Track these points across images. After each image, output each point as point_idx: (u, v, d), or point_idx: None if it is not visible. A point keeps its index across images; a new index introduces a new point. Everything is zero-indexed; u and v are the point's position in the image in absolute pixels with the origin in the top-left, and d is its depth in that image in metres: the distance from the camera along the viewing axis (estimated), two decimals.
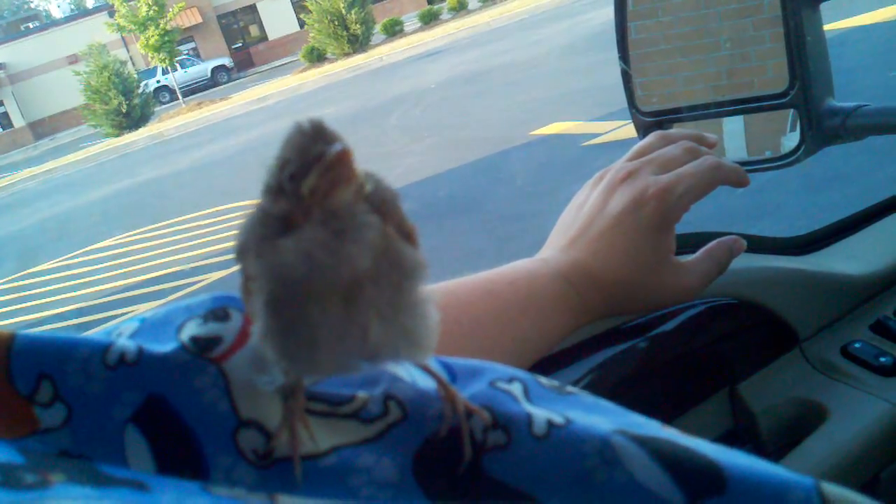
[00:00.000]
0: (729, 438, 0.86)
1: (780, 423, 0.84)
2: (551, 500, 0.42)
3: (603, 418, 0.46)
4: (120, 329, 0.48)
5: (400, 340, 0.42)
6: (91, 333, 0.47)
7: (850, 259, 0.96)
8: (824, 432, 0.81)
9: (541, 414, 0.45)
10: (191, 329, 0.46)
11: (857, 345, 0.88)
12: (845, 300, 0.93)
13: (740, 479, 0.42)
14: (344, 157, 0.38)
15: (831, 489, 0.42)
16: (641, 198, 0.77)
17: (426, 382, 0.48)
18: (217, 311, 0.47)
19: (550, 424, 0.44)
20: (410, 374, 0.48)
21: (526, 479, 0.43)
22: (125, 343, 0.44)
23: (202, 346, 0.45)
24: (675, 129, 0.91)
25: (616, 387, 0.79)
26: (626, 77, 1.10)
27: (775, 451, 0.83)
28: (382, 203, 0.41)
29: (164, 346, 0.45)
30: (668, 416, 0.82)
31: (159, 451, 0.42)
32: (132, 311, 6.34)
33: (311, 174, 0.38)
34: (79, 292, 7.52)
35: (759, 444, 0.84)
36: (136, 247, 8.58)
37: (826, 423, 0.81)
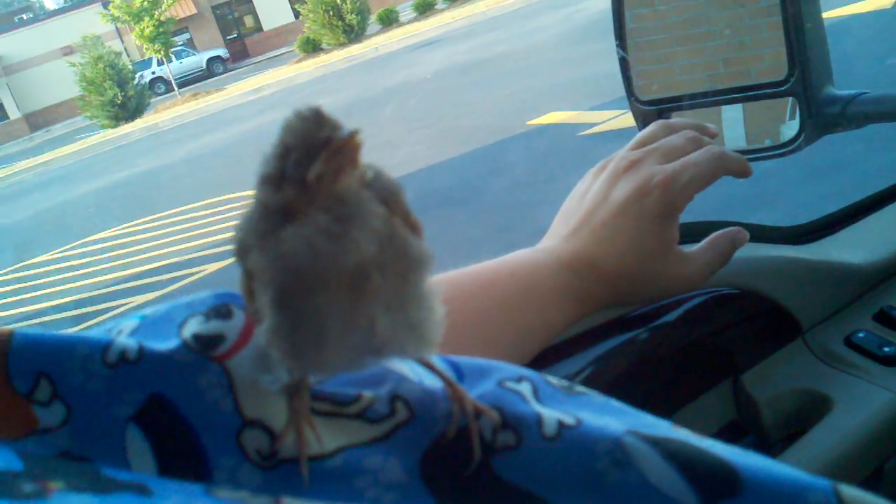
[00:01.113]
0: (732, 429, 0.86)
1: (783, 414, 0.84)
2: (562, 502, 0.41)
3: (614, 419, 0.45)
4: (120, 327, 0.47)
5: (406, 334, 0.41)
6: (90, 331, 0.46)
7: (853, 248, 0.95)
8: (828, 423, 0.80)
9: (551, 415, 0.44)
10: (193, 326, 0.45)
11: (860, 334, 0.87)
12: (848, 289, 0.92)
13: (755, 481, 0.41)
14: (353, 141, 0.37)
15: (849, 492, 0.41)
16: (645, 187, 0.77)
17: (433, 382, 0.47)
18: (220, 309, 0.46)
19: (561, 425, 0.44)
20: (417, 374, 0.47)
21: (536, 481, 0.42)
22: (126, 341, 0.43)
23: (205, 345, 0.44)
24: (677, 119, 0.90)
25: (618, 378, 0.78)
26: (624, 65, 1.09)
27: (779, 442, 0.83)
28: (388, 195, 0.40)
29: (166, 344, 0.44)
30: (670, 408, 0.82)
31: (161, 451, 0.41)
32: (130, 303, 6.34)
33: (318, 159, 0.37)
34: (76, 284, 7.51)
35: (763, 435, 0.83)
36: (132, 238, 8.56)
37: (830, 413, 0.81)
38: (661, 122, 0.86)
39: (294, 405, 0.43)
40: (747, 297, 0.87)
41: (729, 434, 0.85)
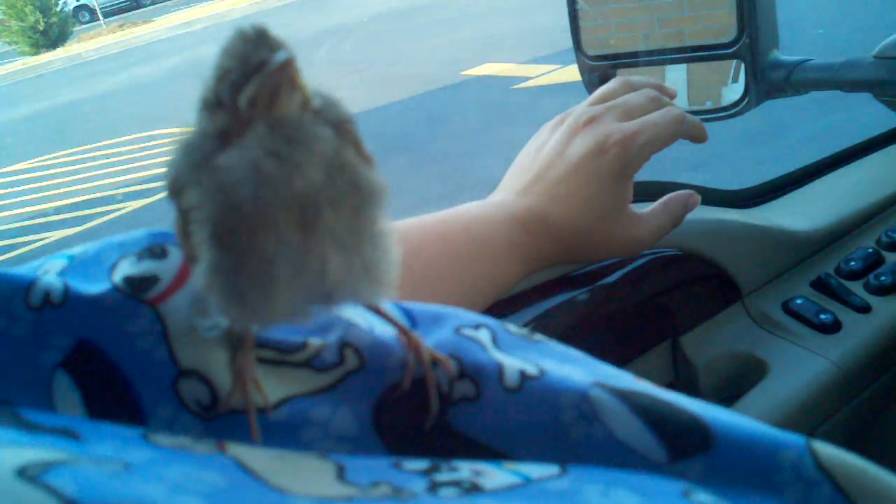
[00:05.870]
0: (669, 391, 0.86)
1: (720, 377, 0.84)
2: (523, 456, 0.39)
3: (577, 369, 0.43)
4: (46, 266, 0.43)
5: (360, 275, 0.38)
6: (12, 269, 0.42)
7: (795, 214, 0.96)
8: (763, 388, 0.81)
9: (513, 364, 0.42)
10: (124, 268, 0.41)
11: (798, 301, 0.88)
12: (788, 255, 0.93)
13: (727, 436, 0.39)
14: (287, 66, 0.34)
15: (823, 447, 0.40)
16: (603, 145, 0.76)
17: (385, 330, 0.44)
18: (154, 248, 0.42)
19: (523, 376, 0.41)
20: (367, 321, 0.44)
21: (496, 434, 0.40)
22: (50, 280, 0.40)
23: (136, 286, 0.40)
24: (639, 77, 0.89)
25: (559, 336, 0.77)
26: (574, 17, 1.07)
27: (714, 404, 0.83)
28: (338, 122, 0.37)
29: (95, 287, 0.40)
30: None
31: (92, 400, 0.38)
32: (47, 238, 6.16)
33: (250, 84, 0.34)
34: None
35: (699, 397, 0.84)
36: (52, 171, 8.30)
37: (765, 378, 0.82)
38: (621, 78, 0.85)
39: (238, 363, 0.39)
40: (690, 260, 0.87)
41: None
